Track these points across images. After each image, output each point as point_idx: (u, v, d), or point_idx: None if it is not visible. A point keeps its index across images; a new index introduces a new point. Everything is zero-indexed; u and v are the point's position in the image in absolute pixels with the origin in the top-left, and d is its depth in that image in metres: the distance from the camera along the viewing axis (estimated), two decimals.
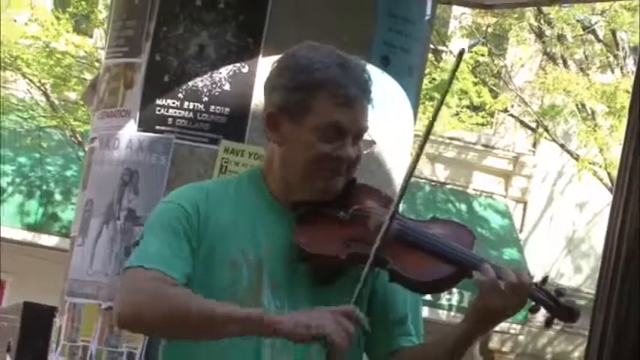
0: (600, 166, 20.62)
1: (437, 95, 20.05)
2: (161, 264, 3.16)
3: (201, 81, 4.26)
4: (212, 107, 4.25)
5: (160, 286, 3.13)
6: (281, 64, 3.30)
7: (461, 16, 22.14)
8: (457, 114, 21.43)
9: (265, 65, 3.97)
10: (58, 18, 20.82)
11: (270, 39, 4.19)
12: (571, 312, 3.18)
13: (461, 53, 3.72)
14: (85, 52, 19.92)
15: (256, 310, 3.10)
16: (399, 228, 3.24)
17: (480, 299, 3.16)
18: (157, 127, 4.30)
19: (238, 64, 4.23)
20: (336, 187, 3.26)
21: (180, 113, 4.28)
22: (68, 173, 20.37)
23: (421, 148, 3.39)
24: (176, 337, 3.27)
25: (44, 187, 21.54)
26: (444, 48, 21.65)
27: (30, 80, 20.88)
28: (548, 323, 3.23)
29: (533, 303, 3.19)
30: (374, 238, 3.18)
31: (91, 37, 20.44)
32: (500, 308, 3.15)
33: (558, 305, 3.17)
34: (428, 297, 18.57)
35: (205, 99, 4.26)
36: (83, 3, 20.65)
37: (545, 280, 3.22)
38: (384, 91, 4.34)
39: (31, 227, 21.43)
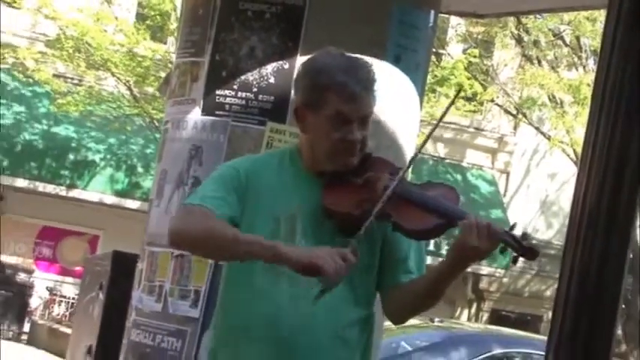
0: (567, 144, 20.60)
1: (438, 88, 20.10)
2: (209, 203, 3.21)
3: (252, 75, 4.25)
4: (260, 96, 4.24)
5: (205, 216, 3.17)
6: (304, 68, 3.36)
7: (457, 26, 22.22)
8: (453, 103, 21.38)
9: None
10: (138, 29, 20.83)
11: (306, 42, 4.18)
12: (532, 251, 3.19)
13: (458, 92, 3.76)
14: (160, 55, 19.94)
15: (274, 241, 3.15)
16: (400, 189, 3.27)
17: (460, 238, 3.16)
18: (217, 112, 4.30)
19: (281, 62, 4.23)
20: (352, 163, 3.31)
21: (235, 101, 4.27)
22: (147, 151, 20.42)
23: (424, 142, 3.49)
24: (211, 254, 3.41)
25: (129, 162, 21.59)
26: (443, 51, 21.62)
27: (117, 78, 20.90)
28: (514, 261, 3.23)
29: (502, 246, 3.19)
30: (379, 199, 3.22)
31: (164, 43, 20.45)
32: (475, 247, 3.13)
33: (522, 246, 3.17)
34: (431, 247, 18.70)
35: (255, 89, 4.25)
36: (158, 17, 20.65)
37: (512, 227, 3.21)
38: (397, 84, 4.31)
39: (118, 193, 21.49)
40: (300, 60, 4.06)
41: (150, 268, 4.37)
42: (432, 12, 4.51)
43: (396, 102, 4.26)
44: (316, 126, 3.27)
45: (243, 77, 4.25)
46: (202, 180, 4.14)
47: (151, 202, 4.56)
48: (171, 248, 4.14)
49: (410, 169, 3.42)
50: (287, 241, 3.22)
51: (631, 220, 3.42)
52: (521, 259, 3.23)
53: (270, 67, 4.23)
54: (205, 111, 4.31)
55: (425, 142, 3.59)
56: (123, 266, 4.74)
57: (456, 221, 3.22)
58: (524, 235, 3.19)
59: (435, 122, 18.71)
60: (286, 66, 4.21)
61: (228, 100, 4.27)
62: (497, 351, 9.27)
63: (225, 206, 3.21)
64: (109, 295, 4.83)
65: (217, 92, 4.29)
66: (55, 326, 19.36)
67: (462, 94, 21.22)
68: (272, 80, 4.23)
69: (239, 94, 4.25)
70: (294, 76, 3.42)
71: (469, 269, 3.69)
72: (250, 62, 4.24)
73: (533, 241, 3.24)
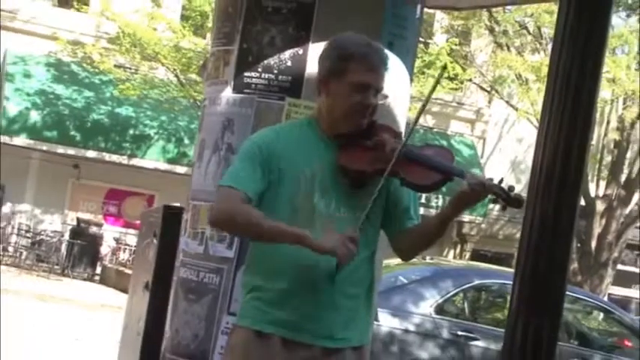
0: (532, 115, 20.53)
1: (426, 70, 20.06)
2: (240, 183, 3.17)
3: (272, 60, 4.23)
4: (280, 77, 4.22)
5: (238, 204, 3.14)
6: (331, 44, 3.32)
7: (441, 20, 22.22)
8: (439, 82, 21.37)
9: (313, 50, 4.02)
10: (182, 26, 20.83)
11: (316, 32, 4.16)
12: (518, 201, 3.18)
13: (443, 68, 3.75)
14: (201, 48, 19.92)
15: (301, 231, 3.12)
16: (405, 150, 3.25)
17: (463, 189, 3.17)
18: (245, 91, 4.28)
19: (296, 49, 4.21)
20: (363, 124, 3.28)
21: (259, 81, 4.25)
22: (192, 126, 20.41)
23: (418, 116, 3.50)
24: (246, 237, 3.35)
25: (177, 135, 21.63)
26: (430, 40, 21.60)
27: (166, 67, 20.95)
28: (504, 208, 3.23)
29: (494, 196, 3.19)
30: (389, 158, 3.21)
31: (204, 38, 20.39)
32: (473, 194, 3.15)
33: (509, 197, 3.16)
34: (423, 200, 18.72)
35: (275, 71, 4.23)
36: (199, 17, 20.65)
37: (501, 181, 3.21)
38: (392, 65, 4.30)
39: (169, 161, 21.55)
40: (312, 47, 4.07)
41: (193, 218, 4.37)
42: (419, 6, 4.49)
43: (391, 80, 4.23)
44: (339, 91, 3.23)
45: (265, 61, 4.23)
46: (234, 145, 4.15)
47: (193, 164, 4.57)
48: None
49: (411, 136, 3.40)
50: (306, 198, 3.20)
51: (580, 175, 3.43)
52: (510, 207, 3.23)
53: (287, 53, 4.21)
54: (235, 89, 4.30)
55: (421, 112, 3.62)
56: (172, 217, 4.74)
57: (453, 176, 3.23)
58: (511, 188, 3.19)
59: (424, 99, 18.76)
60: (300, 52, 4.19)
61: (253, 80, 4.25)
62: (477, 282, 9.28)
63: (252, 183, 3.18)
64: (161, 241, 4.84)
65: (245, 74, 4.27)
66: (121, 268, 19.46)
67: (445, 74, 21.23)
68: (289, 64, 4.21)
69: (262, 75, 4.23)
70: (319, 53, 3.36)
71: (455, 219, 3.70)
72: (271, 49, 4.22)
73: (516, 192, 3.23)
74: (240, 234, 3.30)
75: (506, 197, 3.16)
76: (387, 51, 3.37)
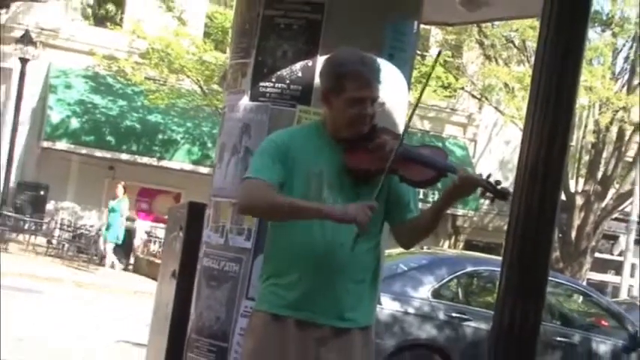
0: (517, 119, 20.47)
1: (423, 80, 20.00)
2: (263, 174, 3.17)
3: (285, 71, 4.21)
4: (292, 86, 4.21)
5: (263, 189, 3.14)
6: (328, 62, 3.30)
7: (436, 35, 22.15)
8: (435, 90, 21.39)
9: (321, 62, 3.97)
10: (205, 42, 20.85)
11: (324, 46, 4.14)
12: (505, 194, 3.16)
13: (439, 53, 3.70)
14: (222, 61, 19.89)
15: (320, 204, 3.13)
16: (403, 150, 3.23)
17: (454, 183, 3.16)
18: (260, 99, 4.27)
19: (306, 61, 4.19)
20: (364, 131, 3.25)
21: (273, 90, 4.24)
22: (214, 131, 20.39)
23: (410, 116, 3.47)
24: (272, 219, 3.30)
25: (201, 140, 21.66)
26: (426, 53, 21.50)
27: (191, 79, 20.93)
28: (492, 200, 3.21)
29: (482, 189, 3.17)
30: (388, 157, 3.19)
31: (224, 52, 20.36)
32: (464, 187, 3.15)
33: (496, 190, 3.15)
34: (421, 195, 18.72)
35: (287, 82, 4.21)
36: (220, 33, 20.65)
37: (489, 176, 3.20)
38: (391, 75, 4.28)
39: (194, 162, 21.58)
40: (320, 59, 4.04)
41: (215, 213, 4.36)
42: (416, 22, 4.47)
43: (390, 88, 4.22)
44: (338, 105, 3.21)
45: (278, 73, 4.21)
46: (251, 148, 4.13)
47: (214, 165, 4.56)
48: (232, 200, 4.13)
49: (406, 136, 3.36)
50: (316, 192, 3.20)
51: (561, 172, 3.41)
52: (496, 201, 3.21)
53: (298, 65, 4.19)
54: (252, 98, 4.29)
55: (414, 109, 3.49)
56: (196, 212, 4.73)
57: (447, 173, 3.21)
58: (498, 182, 3.17)
59: (422, 106, 18.96)
60: (310, 64, 4.17)
61: (268, 89, 4.24)
62: (470, 269, 9.26)
63: (274, 174, 3.17)
64: (186, 234, 4.83)
65: (260, 84, 4.26)
66: (151, 259, 19.45)
67: (440, 83, 21.24)
68: (300, 74, 4.19)
69: (276, 85, 4.22)
70: (319, 69, 3.34)
71: (449, 211, 3.70)
72: (283, 62, 4.20)
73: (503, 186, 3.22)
74: (268, 216, 3.26)
75: (493, 190, 3.15)
76: (384, 62, 3.35)
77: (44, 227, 20.90)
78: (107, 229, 19.00)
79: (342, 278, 3.18)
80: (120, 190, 19.05)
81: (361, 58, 3.23)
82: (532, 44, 20.38)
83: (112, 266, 18.96)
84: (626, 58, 22.21)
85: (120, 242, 19.18)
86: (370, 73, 3.21)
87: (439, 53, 4.49)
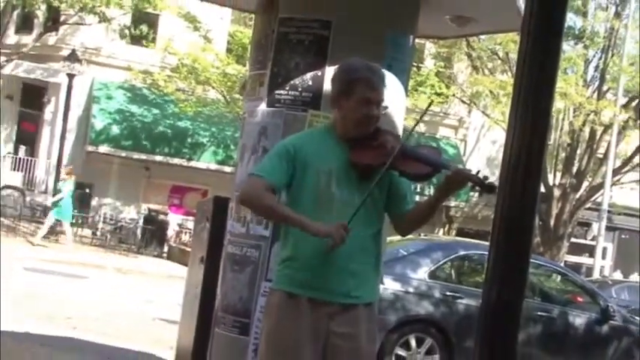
0: (502, 122, 20.46)
1: (418, 88, 20.07)
2: (267, 173, 3.15)
3: (297, 80, 4.21)
4: (303, 93, 4.20)
5: (262, 191, 3.12)
6: (340, 68, 3.28)
7: (430, 48, 22.14)
8: (429, 97, 21.37)
9: (329, 71, 3.96)
10: (228, 57, 20.85)
11: (332, 58, 4.13)
12: (492, 187, 3.14)
13: (430, 103, 3.66)
14: (242, 74, 19.91)
15: (303, 217, 3.10)
16: (403, 149, 3.21)
17: (447, 178, 3.14)
18: (276, 105, 4.26)
19: (315, 71, 4.18)
20: (370, 130, 3.23)
21: (287, 97, 4.23)
22: (236, 135, 20.35)
23: (415, 126, 3.46)
24: (264, 218, 3.33)
25: (225, 143, 21.66)
26: (421, 64, 21.50)
27: (216, 89, 20.94)
28: (480, 193, 3.19)
29: (471, 184, 3.15)
30: (390, 154, 3.17)
31: (244, 66, 20.40)
32: (456, 182, 3.14)
33: (484, 184, 3.13)
34: (418, 189, 18.67)
35: (299, 89, 4.21)
36: (240, 49, 20.66)
37: (477, 172, 3.18)
38: (391, 83, 4.27)
39: (219, 162, 21.61)
40: (328, 69, 4.04)
41: (238, 206, 4.35)
42: (411, 36, 4.46)
43: (390, 95, 4.20)
44: (348, 107, 3.18)
45: (291, 82, 4.21)
46: (268, 148, 4.12)
47: (236, 164, 4.56)
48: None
49: (407, 137, 3.35)
50: (326, 188, 3.17)
51: (539, 168, 3.40)
52: (485, 193, 3.19)
53: (308, 75, 4.18)
54: (268, 104, 4.28)
55: (417, 124, 3.53)
56: (221, 206, 4.72)
57: (441, 169, 3.19)
58: (486, 177, 3.15)
59: (418, 110, 18.90)
60: (319, 74, 4.17)
61: (282, 96, 4.23)
62: (462, 253, 9.23)
63: (276, 174, 3.14)
64: (212, 224, 4.83)
65: (275, 92, 4.25)
66: (183, 247, 19.47)
67: (434, 90, 21.19)
68: (310, 83, 4.18)
69: (289, 92, 4.21)
70: (330, 77, 3.31)
71: (443, 203, 3.66)
72: (296, 72, 4.20)
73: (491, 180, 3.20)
74: (260, 214, 3.28)
75: (481, 184, 3.13)
76: (385, 71, 3.34)
77: (89, 221, 21.02)
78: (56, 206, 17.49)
79: (349, 261, 3.17)
80: (62, 174, 17.99)
81: (369, 65, 3.22)
82: (514, 56, 20.36)
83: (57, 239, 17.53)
84: (596, 68, 22.23)
85: (68, 219, 17.51)
86: (377, 79, 3.19)
87: (430, 103, 4.71)
